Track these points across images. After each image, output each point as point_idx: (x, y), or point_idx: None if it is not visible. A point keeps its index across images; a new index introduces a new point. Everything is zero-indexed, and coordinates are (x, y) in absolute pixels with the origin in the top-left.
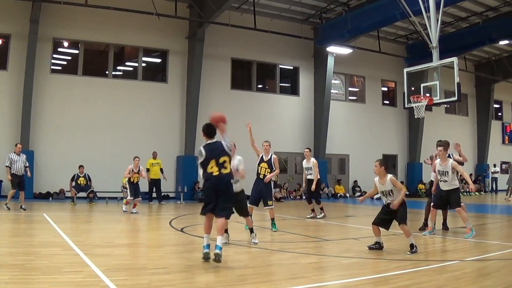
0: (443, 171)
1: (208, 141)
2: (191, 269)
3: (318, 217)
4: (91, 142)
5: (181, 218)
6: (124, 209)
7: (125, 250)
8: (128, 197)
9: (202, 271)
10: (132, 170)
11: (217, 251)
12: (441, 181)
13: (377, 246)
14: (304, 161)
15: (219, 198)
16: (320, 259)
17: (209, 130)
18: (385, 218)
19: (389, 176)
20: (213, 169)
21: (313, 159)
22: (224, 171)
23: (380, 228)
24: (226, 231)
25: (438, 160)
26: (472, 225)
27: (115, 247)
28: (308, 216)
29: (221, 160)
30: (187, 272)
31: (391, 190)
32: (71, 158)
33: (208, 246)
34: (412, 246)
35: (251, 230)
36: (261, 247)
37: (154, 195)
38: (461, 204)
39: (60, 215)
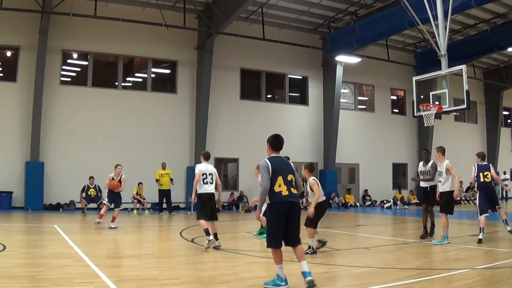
0: (439, 171)
1: (273, 154)
2: (202, 279)
3: None
4: (101, 153)
5: (191, 228)
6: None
7: (135, 260)
8: (105, 203)
9: (213, 281)
10: (113, 178)
11: (310, 277)
12: (438, 181)
13: (312, 251)
14: None
15: (292, 224)
16: (330, 268)
17: (278, 142)
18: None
19: (310, 178)
20: (281, 187)
21: None
22: (293, 190)
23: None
24: (215, 235)
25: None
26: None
27: (126, 258)
28: None
29: (289, 177)
30: (198, 282)
31: (308, 192)
32: (81, 169)
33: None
34: (309, 247)
35: (215, 236)
36: (271, 257)
37: (164, 205)
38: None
39: (71, 226)
